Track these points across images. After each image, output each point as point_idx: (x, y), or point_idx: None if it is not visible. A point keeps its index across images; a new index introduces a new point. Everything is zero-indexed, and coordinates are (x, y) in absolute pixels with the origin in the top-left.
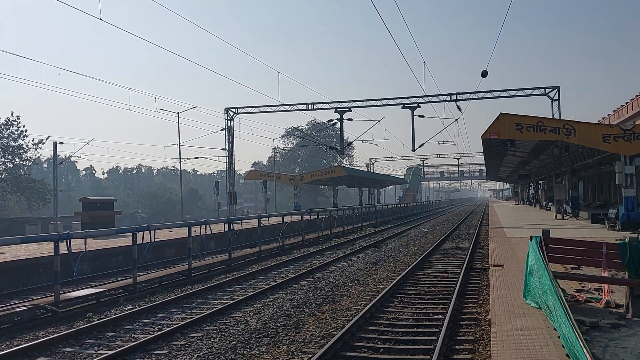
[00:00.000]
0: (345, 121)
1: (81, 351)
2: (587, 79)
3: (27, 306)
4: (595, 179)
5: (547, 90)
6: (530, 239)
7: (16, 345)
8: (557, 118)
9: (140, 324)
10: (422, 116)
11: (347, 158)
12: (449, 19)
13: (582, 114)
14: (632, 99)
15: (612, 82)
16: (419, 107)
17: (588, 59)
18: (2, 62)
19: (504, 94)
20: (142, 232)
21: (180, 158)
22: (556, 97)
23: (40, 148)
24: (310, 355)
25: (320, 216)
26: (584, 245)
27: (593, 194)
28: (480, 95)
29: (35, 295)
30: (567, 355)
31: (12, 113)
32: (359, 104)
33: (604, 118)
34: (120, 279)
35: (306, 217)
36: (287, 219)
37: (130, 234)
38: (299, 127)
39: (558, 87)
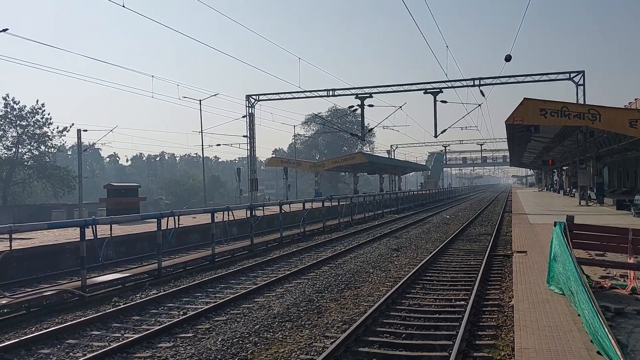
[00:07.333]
0: (366, 107)
1: (108, 334)
2: (613, 64)
3: (55, 290)
4: (620, 165)
5: (572, 75)
6: (554, 225)
7: (46, 328)
8: (582, 103)
9: (165, 308)
10: (445, 101)
11: (367, 144)
12: (472, 2)
13: (608, 99)
14: None
15: (639, 66)
16: (442, 92)
17: (613, 43)
18: (25, 50)
19: (528, 78)
20: (166, 218)
21: (202, 145)
22: (581, 82)
23: (64, 135)
24: (333, 340)
25: (341, 203)
26: (609, 232)
27: (618, 180)
28: (504, 80)
29: (63, 279)
30: (592, 341)
31: (37, 101)
32: (380, 89)
33: (630, 103)
34: (145, 264)
35: (327, 204)
36: (308, 205)
37: (155, 220)
38: (319, 113)
39: (583, 72)
